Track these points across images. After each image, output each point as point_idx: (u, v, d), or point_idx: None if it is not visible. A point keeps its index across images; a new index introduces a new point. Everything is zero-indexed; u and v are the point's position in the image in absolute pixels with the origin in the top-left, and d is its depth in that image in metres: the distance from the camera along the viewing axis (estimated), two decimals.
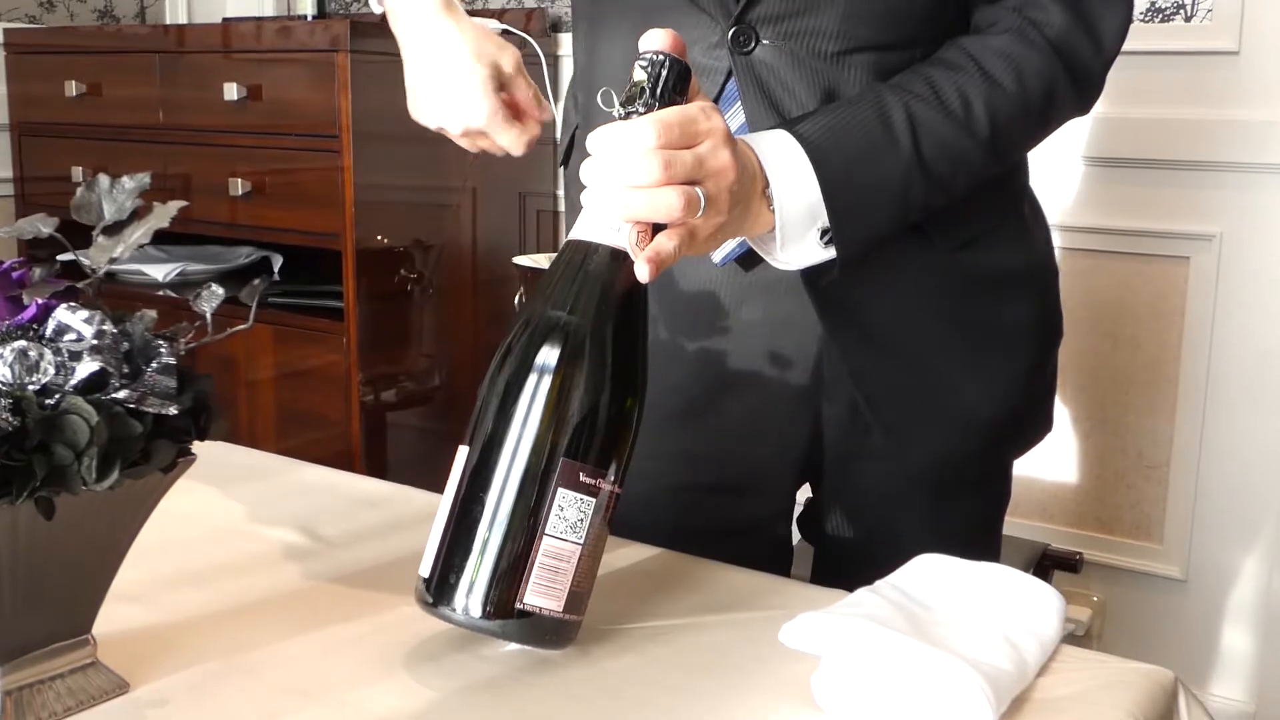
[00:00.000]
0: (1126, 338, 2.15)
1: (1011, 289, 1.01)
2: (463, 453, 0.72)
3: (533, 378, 0.70)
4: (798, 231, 0.83)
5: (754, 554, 0.92)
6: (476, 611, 0.69)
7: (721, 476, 1.04)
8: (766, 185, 0.81)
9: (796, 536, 1.13)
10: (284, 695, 0.68)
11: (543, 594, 0.69)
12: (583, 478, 0.70)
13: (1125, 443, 2.18)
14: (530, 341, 0.70)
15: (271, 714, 0.66)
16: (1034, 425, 1.08)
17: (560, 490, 0.69)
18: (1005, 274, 1.01)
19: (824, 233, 0.84)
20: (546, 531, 0.69)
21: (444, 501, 0.72)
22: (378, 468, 2.32)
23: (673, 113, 0.73)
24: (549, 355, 0.70)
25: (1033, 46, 0.89)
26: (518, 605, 0.69)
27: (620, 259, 0.72)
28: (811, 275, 0.90)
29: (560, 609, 0.70)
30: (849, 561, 1.05)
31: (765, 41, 0.90)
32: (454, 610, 0.69)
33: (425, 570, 0.71)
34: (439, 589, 0.70)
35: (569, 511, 0.69)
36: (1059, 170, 2.14)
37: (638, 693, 0.70)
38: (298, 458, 1.13)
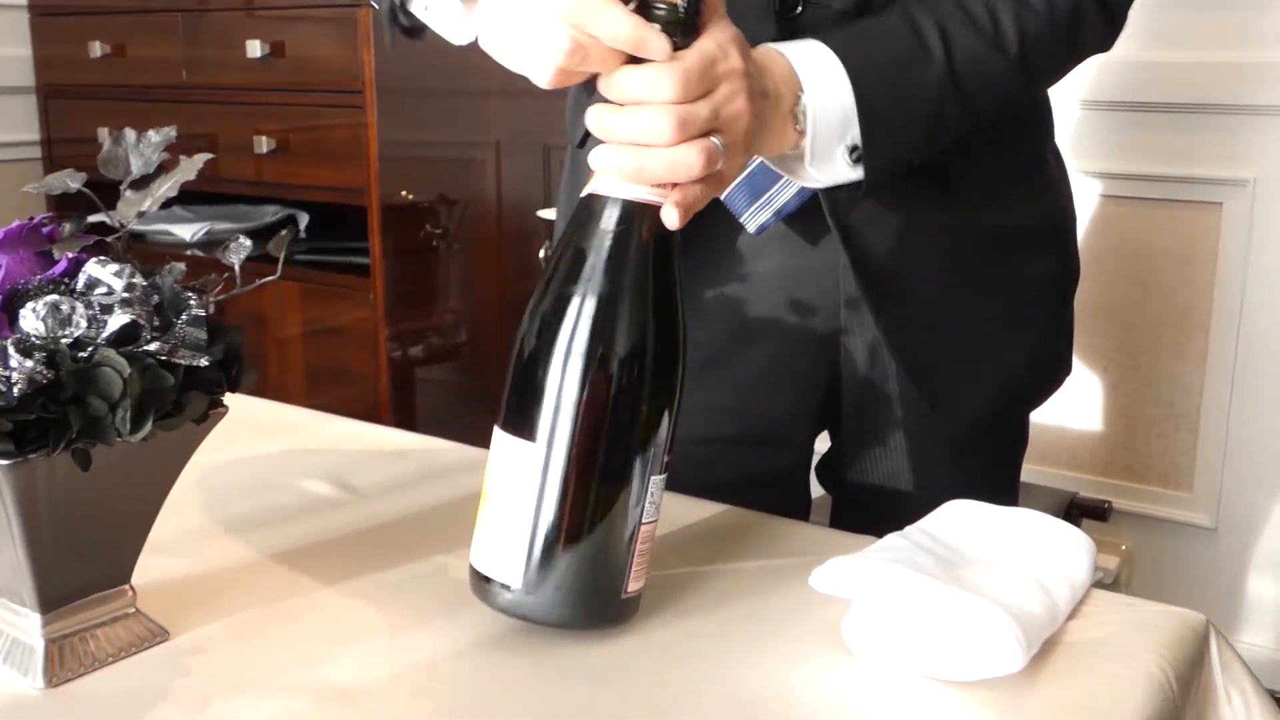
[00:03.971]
0: (1158, 285, 2.13)
1: (1037, 245, 1.01)
2: (522, 447, 0.66)
3: (617, 375, 0.65)
4: (827, 148, 0.80)
5: (774, 505, 0.92)
6: (585, 609, 0.68)
7: (741, 428, 1.04)
8: (796, 102, 0.78)
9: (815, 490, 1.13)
10: (321, 643, 0.69)
11: (638, 578, 0.70)
12: (665, 459, 0.69)
13: (1156, 390, 2.16)
14: (601, 332, 0.65)
15: (309, 661, 0.67)
16: (1055, 373, 1.08)
17: (652, 477, 0.68)
18: (1031, 230, 1.00)
19: (852, 150, 0.81)
20: (642, 520, 0.68)
21: (507, 496, 0.67)
22: (406, 422, 2.34)
23: (693, 60, 0.66)
24: (633, 352, 0.66)
25: None
26: (622, 596, 0.69)
27: (656, 219, 0.67)
28: (833, 206, 0.88)
29: (643, 586, 0.70)
30: (868, 510, 1.05)
31: (815, 3, 0.87)
32: (555, 611, 0.68)
33: (499, 571, 0.67)
34: (536, 589, 0.67)
35: (656, 494, 0.69)
36: (1088, 116, 2.12)
37: (668, 639, 0.70)
38: (327, 414, 1.14)
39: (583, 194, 0.68)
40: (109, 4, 2.64)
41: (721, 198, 0.94)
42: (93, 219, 0.72)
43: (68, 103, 2.73)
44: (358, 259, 2.32)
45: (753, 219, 0.94)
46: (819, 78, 0.79)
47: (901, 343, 0.96)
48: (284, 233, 0.69)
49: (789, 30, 0.88)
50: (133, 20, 2.59)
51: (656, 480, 0.68)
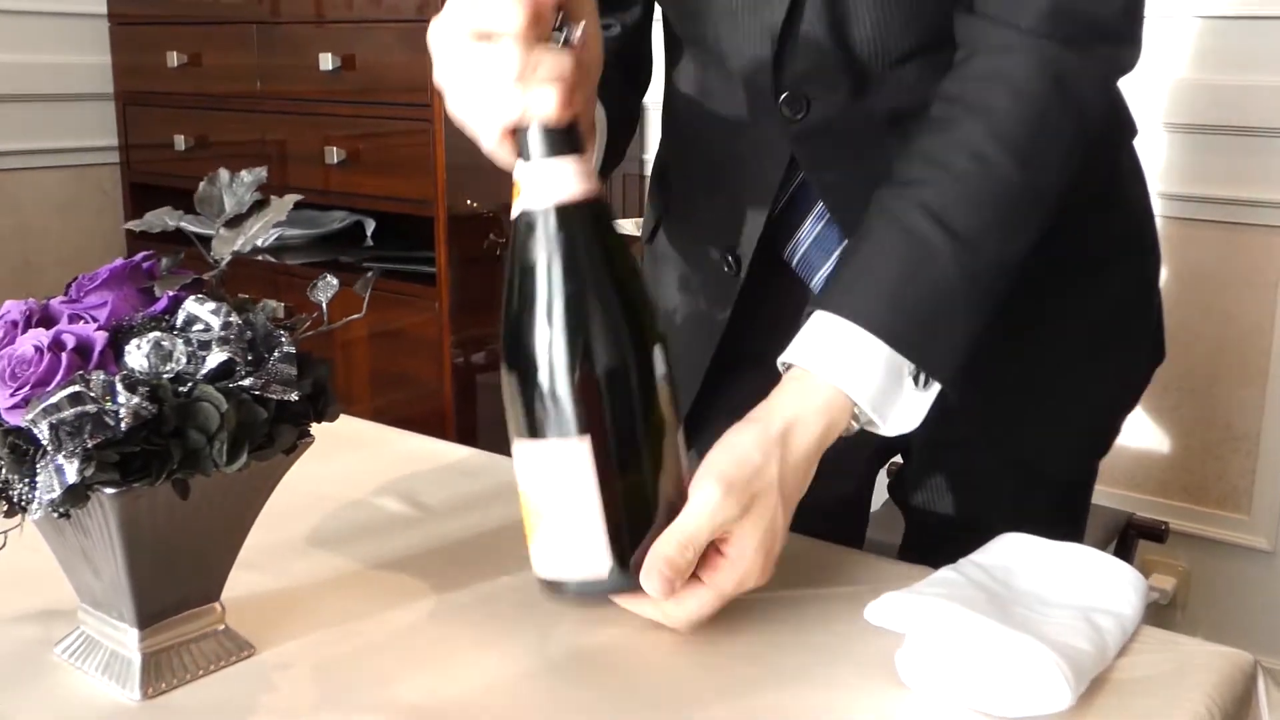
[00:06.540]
0: (1218, 308, 2.12)
1: (1095, 264, 0.99)
2: (563, 446, 0.70)
3: (642, 368, 0.71)
4: (888, 398, 0.78)
5: (826, 529, 0.92)
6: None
7: None
8: (851, 410, 0.78)
9: (879, 502, 1.15)
10: (394, 662, 0.73)
11: None
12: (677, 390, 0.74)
13: (1214, 413, 2.15)
14: (590, 324, 0.70)
15: (384, 680, 0.71)
16: (1109, 423, 1.08)
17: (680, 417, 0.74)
18: (1081, 263, 0.98)
19: (915, 378, 0.79)
20: (685, 464, 0.74)
21: (562, 499, 0.70)
22: (468, 427, 2.38)
23: (687, 535, 0.71)
24: (648, 347, 0.71)
25: (1009, 51, 0.81)
26: None
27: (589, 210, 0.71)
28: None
29: None
30: (937, 532, 1.06)
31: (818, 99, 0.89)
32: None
33: (582, 570, 0.71)
34: (628, 567, 0.71)
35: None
36: (1151, 138, 2.11)
37: (723, 664, 0.73)
38: (390, 417, 1.17)
39: (513, 214, 0.72)
40: (186, 14, 2.71)
41: (794, 265, 0.98)
42: (174, 224, 0.75)
43: (145, 109, 2.81)
44: (424, 268, 2.37)
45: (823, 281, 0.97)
46: (840, 359, 0.78)
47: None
48: (369, 275, 0.73)
49: (797, 132, 0.90)
50: (208, 31, 2.66)
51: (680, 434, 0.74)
